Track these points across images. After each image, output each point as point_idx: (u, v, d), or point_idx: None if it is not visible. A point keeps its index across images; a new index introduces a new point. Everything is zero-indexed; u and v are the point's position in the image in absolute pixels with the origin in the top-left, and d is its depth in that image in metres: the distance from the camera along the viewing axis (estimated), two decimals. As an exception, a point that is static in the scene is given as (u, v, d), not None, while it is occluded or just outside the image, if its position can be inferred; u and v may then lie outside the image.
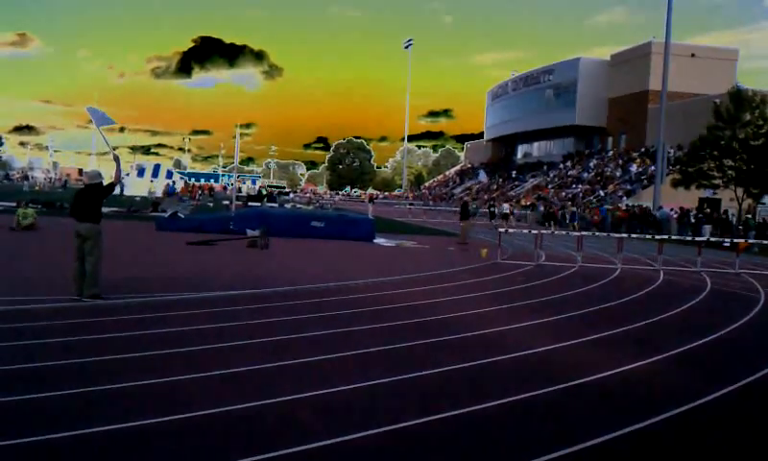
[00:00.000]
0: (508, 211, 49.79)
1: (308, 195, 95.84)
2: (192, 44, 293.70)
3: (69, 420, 5.38)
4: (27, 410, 5.61)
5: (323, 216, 29.63)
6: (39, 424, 5.23)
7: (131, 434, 5.20)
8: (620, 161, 70.77)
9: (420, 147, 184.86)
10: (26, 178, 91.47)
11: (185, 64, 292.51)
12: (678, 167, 48.86)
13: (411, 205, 77.91)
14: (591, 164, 75.38)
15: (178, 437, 5.22)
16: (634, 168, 65.84)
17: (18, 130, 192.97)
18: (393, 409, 6.14)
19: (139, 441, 5.10)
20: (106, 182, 11.47)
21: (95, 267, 10.63)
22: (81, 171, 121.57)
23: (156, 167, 77.84)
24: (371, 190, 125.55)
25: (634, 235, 26.83)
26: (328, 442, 5.21)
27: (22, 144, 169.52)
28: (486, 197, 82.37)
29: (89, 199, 10.98)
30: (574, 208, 56.50)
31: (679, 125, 57.83)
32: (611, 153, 75.90)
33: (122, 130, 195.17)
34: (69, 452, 4.85)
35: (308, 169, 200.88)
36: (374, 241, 26.27)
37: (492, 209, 54.28)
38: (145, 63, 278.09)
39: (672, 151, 57.93)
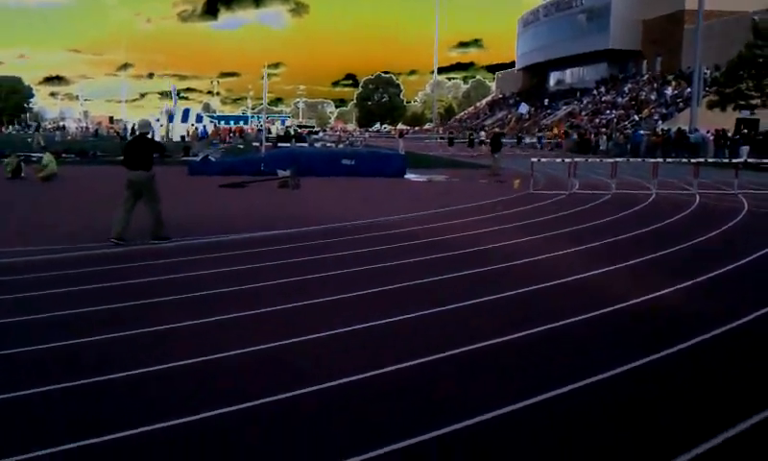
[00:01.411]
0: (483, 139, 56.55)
1: (338, 133, 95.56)
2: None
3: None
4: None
5: (353, 154, 29.55)
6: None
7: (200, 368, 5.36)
8: (655, 85, 69.27)
9: (450, 79, 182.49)
10: (58, 128, 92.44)
11: (211, 6, 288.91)
12: (714, 88, 47.69)
13: (441, 138, 77.34)
14: (626, 89, 73.89)
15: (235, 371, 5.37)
16: (669, 91, 64.45)
17: (48, 80, 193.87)
18: (435, 339, 6.22)
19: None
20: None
21: (157, 211, 11.21)
22: (111, 119, 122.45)
23: (186, 112, 77.90)
24: (400, 125, 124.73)
25: (669, 159, 26.45)
26: (376, 372, 5.33)
27: (53, 95, 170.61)
28: (517, 127, 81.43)
29: (140, 148, 11.36)
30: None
31: (716, 45, 56.20)
32: (645, 76, 74.27)
33: (151, 76, 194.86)
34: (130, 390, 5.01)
35: (337, 107, 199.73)
36: (406, 177, 26.21)
37: (471, 137, 60.34)
38: (171, 8, 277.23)
39: (709, 72, 56.49)
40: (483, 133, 69.54)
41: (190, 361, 5.60)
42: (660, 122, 57.32)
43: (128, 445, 4.18)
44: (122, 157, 11.69)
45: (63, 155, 35.84)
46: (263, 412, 4.67)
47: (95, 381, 5.14)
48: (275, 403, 4.79)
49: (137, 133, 11.80)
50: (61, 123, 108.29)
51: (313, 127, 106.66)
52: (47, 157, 23.26)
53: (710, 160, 27.67)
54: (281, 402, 4.81)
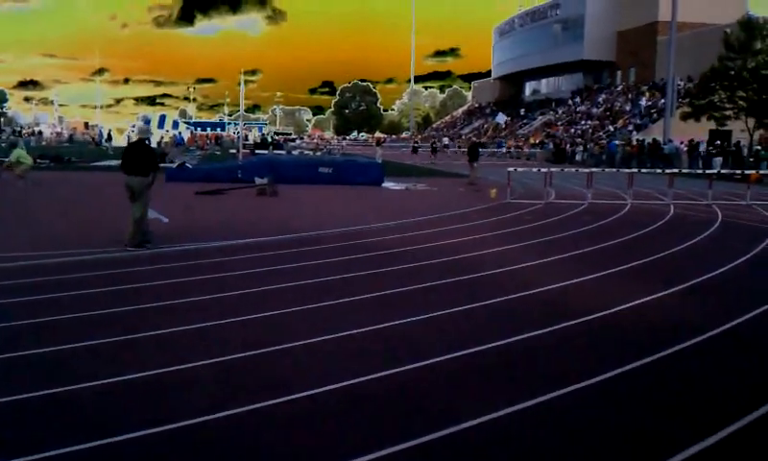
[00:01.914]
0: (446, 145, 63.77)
1: (315, 141, 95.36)
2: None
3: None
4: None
5: (330, 162, 29.54)
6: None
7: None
8: (630, 95, 69.95)
9: (427, 88, 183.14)
10: (32, 134, 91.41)
11: (187, 12, 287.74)
12: (688, 100, 48.24)
13: (417, 147, 77.59)
14: (601, 99, 74.57)
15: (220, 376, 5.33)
16: (643, 102, 65.11)
17: (23, 85, 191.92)
18: (414, 348, 6.22)
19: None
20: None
21: (139, 218, 11.18)
22: (87, 124, 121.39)
23: (162, 118, 77.44)
24: (378, 134, 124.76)
25: (644, 170, 26.69)
26: (353, 381, 5.31)
27: (27, 99, 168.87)
28: (493, 136, 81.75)
29: (138, 154, 11.47)
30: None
31: (689, 56, 56.91)
32: (620, 87, 74.99)
33: (126, 81, 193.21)
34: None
35: (314, 114, 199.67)
36: (383, 185, 26.24)
37: (434, 145, 62.11)
38: (147, 13, 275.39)
39: (682, 83, 57.18)
40: (446, 140, 79.71)
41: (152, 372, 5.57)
42: (634, 132, 57.84)
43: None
44: (120, 162, 11.75)
45: (38, 160, 35.41)
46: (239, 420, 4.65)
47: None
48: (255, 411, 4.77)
49: (136, 138, 11.92)
50: (37, 128, 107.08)
51: (290, 134, 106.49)
52: (17, 153, 22.96)
53: (684, 171, 27.98)
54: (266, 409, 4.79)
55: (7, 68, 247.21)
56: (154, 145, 59.90)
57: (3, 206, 17.22)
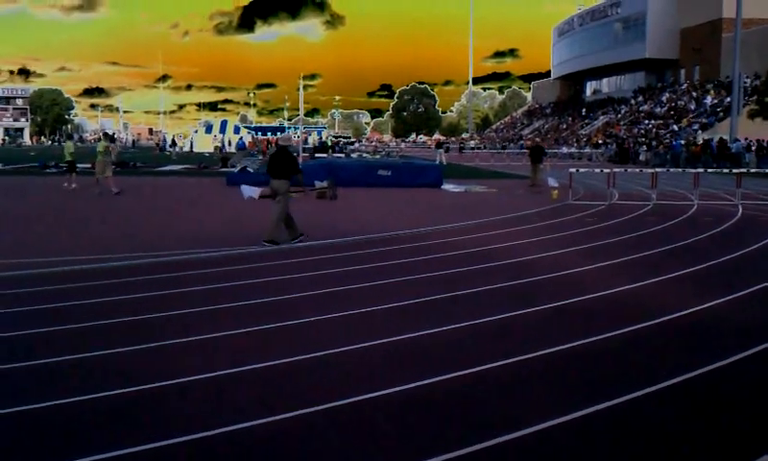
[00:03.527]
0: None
1: (374, 144, 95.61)
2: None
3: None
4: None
5: (389, 164, 29.58)
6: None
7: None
8: (694, 94, 68.34)
9: (485, 89, 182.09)
10: (99, 139, 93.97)
11: (248, 19, 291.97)
12: (755, 97, 46.89)
13: (478, 149, 77.32)
14: (664, 98, 73.03)
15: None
16: (708, 100, 63.56)
17: (88, 92, 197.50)
18: (477, 352, 6.16)
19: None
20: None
21: (277, 216, 12.28)
22: (151, 130, 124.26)
23: (224, 123, 78.71)
24: (436, 136, 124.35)
25: (710, 170, 26.03)
26: (415, 384, 5.28)
27: (92, 106, 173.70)
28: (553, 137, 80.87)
29: (281, 160, 12.58)
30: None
31: (755, 53, 55.41)
32: (684, 85, 73.31)
33: (189, 87, 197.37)
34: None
35: (372, 117, 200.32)
36: (443, 187, 26.16)
37: (461, 146, 70.28)
38: (208, 20, 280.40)
39: (749, 80, 55.61)
40: (472, 142, 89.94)
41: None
42: (699, 132, 56.53)
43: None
44: (266, 167, 13.08)
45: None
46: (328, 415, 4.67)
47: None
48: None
49: (279, 145, 13.17)
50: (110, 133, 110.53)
51: (349, 137, 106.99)
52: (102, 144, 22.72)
53: (753, 171, 27.17)
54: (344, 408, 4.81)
55: (73, 76, 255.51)
56: (210, 150, 61.38)
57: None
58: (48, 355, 6.01)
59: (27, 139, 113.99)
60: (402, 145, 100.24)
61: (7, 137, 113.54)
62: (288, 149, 13.35)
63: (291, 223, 12.50)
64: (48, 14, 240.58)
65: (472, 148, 79.08)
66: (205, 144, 67.90)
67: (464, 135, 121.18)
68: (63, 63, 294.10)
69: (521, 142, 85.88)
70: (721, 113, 58.19)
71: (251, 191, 19.67)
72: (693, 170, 24.62)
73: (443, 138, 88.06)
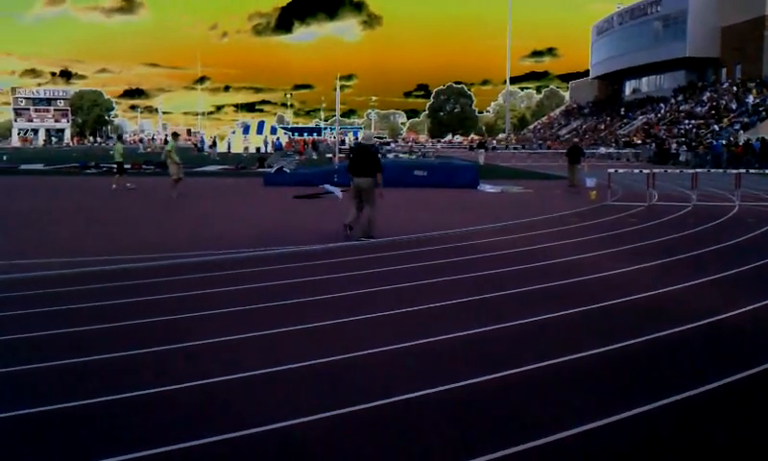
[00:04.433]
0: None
1: (410, 144, 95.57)
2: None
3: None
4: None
5: (425, 165, 29.53)
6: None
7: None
8: (736, 93, 67.15)
9: (523, 89, 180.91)
10: (141, 140, 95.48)
11: (285, 20, 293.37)
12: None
13: (515, 148, 76.88)
14: (705, 97, 71.87)
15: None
16: (750, 99, 62.40)
17: (128, 94, 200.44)
18: (513, 354, 6.13)
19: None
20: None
21: (371, 213, 12.85)
22: (189, 131, 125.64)
23: (260, 124, 79.32)
24: (473, 135, 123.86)
25: (752, 170, 25.55)
26: (446, 387, 5.26)
27: (132, 108, 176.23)
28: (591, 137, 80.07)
29: (364, 158, 13.00)
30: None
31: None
32: (725, 84, 72.06)
33: (227, 88, 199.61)
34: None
35: (408, 118, 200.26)
36: (479, 188, 26.03)
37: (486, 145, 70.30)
38: (246, 21, 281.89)
39: (793, 78, 54.43)
40: (494, 142, 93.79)
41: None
42: (741, 131, 55.53)
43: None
44: (348, 166, 13.58)
45: (143, 166, 36.94)
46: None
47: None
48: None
49: (362, 144, 13.57)
50: (147, 135, 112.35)
51: (384, 137, 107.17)
52: (171, 144, 22.79)
53: (797, 171, 26.61)
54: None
55: (114, 78, 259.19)
56: (251, 150, 62.13)
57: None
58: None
59: (68, 140, 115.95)
60: (438, 145, 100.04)
61: (52, 138, 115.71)
62: (371, 148, 13.81)
63: (355, 214, 12.99)
64: (90, 17, 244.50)
65: (494, 148, 79.91)
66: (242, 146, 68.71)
67: (499, 136, 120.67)
68: (104, 65, 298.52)
69: (540, 142, 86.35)
70: (763, 113, 57.11)
71: (334, 190, 20.60)
72: (735, 171, 24.15)
73: (484, 138, 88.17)
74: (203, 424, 4.60)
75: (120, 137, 33.69)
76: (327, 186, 20.40)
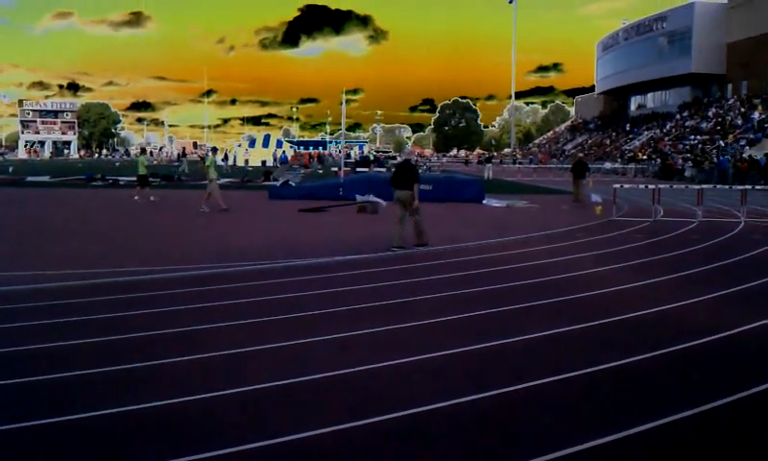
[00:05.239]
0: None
1: (414, 158, 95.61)
2: (298, 13, 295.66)
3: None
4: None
5: (431, 179, 29.56)
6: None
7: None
8: (741, 109, 67.15)
9: (528, 104, 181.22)
10: (143, 151, 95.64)
11: (292, 34, 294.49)
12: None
13: (519, 163, 76.97)
14: (710, 113, 71.88)
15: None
16: (756, 115, 62.37)
17: (135, 106, 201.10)
18: (516, 370, 6.13)
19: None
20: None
21: (419, 222, 13.65)
22: (195, 144, 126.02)
23: (266, 137, 79.56)
24: (478, 150, 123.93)
25: (758, 187, 25.51)
26: (444, 404, 5.26)
27: (139, 120, 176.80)
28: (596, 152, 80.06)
29: (404, 172, 13.62)
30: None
31: (806, 67, 54.14)
32: (731, 101, 72.07)
33: (233, 102, 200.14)
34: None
35: (414, 132, 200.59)
36: (484, 202, 26.04)
37: (489, 158, 69.50)
38: (253, 35, 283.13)
39: (799, 95, 54.39)
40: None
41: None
42: (747, 148, 55.50)
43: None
44: (390, 179, 14.15)
45: (150, 179, 37.04)
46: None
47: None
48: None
49: (404, 160, 14.31)
50: (153, 147, 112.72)
51: (389, 151, 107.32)
52: (210, 159, 22.83)
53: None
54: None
55: (121, 91, 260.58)
56: (256, 164, 62.21)
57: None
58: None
59: (74, 152, 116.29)
60: (443, 159, 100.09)
61: (64, 150, 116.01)
62: (410, 162, 14.56)
63: (399, 232, 13.51)
64: (97, 30, 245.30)
65: (501, 162, 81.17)
66: (252, 157, 69.03)
67: (505, 150, 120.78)
68: (111, 78, 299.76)
69: (531, 156, 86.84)
70: (769, 129, 57.08)
71: (378, 200, 21.16)
72: (740, 187, 24.14)
73: (490, 153, 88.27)
74: (215, 436, 4.61)
75: (143, 150, 33.81)
76: (371, 197, 20.88)
